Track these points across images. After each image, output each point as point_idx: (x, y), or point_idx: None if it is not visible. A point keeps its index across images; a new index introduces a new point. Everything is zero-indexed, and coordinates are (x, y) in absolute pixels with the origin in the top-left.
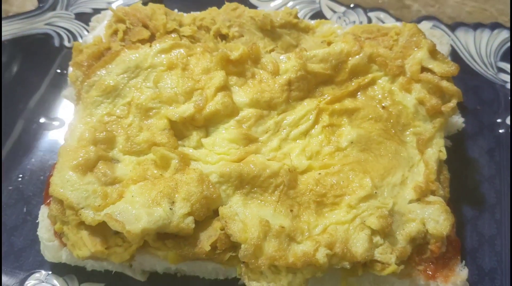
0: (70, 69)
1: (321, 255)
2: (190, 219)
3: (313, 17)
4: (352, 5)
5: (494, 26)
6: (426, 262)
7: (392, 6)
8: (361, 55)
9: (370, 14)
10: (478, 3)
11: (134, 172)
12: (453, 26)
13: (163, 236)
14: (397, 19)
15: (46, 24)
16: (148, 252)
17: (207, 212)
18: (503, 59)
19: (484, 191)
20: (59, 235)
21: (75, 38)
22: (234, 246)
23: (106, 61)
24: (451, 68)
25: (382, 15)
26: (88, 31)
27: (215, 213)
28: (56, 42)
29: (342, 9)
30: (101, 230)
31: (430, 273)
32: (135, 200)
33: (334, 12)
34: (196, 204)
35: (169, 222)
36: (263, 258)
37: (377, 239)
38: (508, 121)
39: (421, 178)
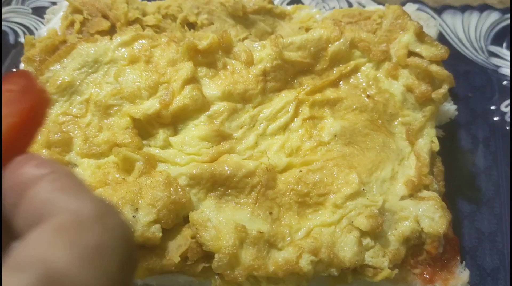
0: (22, 65)
1: (305, 262)
2: (156, 227)
3: (290, 3)
4: None
5: (483, 8)
6: (423, 265)
7: None
8: (341, 40)
9: None
10: None
11: (93, 177)
12: (440, 9)
13: None
14: (380, 4)
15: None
16: None
17: (176, 219)
18: (493, 42)
19: (480, 184)
20: None
21: (31, 34)
22: (208, 255)
23: (61, 55)
24: (441, 51)
25: (364, 0)
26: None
27: (186, 220)
28: (11, 39)
29: None
30: None
31: (427, 276)
32: None
33: None
34: (163, 210)
35: (133, 231)
36: (240, 268)
37: (367, 241)
38: (503, 107)
39: (413, 171)
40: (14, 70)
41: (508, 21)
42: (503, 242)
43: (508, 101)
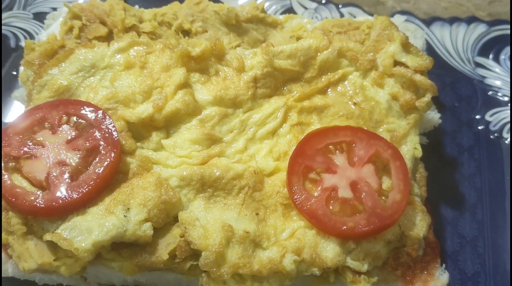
0: (22, 68)
1: (288, 262)
2: (147, 225)
3: (284, 13)
4: (323, 1)
5: (471, 20)
6: (403, 267)
7: (366, 2)
8: (330, 50)
9: (343, 10)
10: None
11: None
12: (428, 21)
13: (118, 246)
14: (371, 15)
15: (2, 24)
16: (102, 264)
17: (167, 218)
18: (480, 53)
19: (464, 190)
20: (4, 246)
21: (32, 39)
22: (196, 254)
23: (59, 59)
24: (425, 61)
25: (355, 11)
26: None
27: (175, 219)
28: (12, 43)
29: (314, 5)
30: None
31: (408, 278)
32: (86, 210)
33: (306, 8)
34: (153, 210)
35: (125, 230)
36: (226, 266)
37: (349, 242)
38: (487, 117)
39: None
40: (14, 73)
41: (495, 33)
42: (484, 247)
43: (493, 111)
